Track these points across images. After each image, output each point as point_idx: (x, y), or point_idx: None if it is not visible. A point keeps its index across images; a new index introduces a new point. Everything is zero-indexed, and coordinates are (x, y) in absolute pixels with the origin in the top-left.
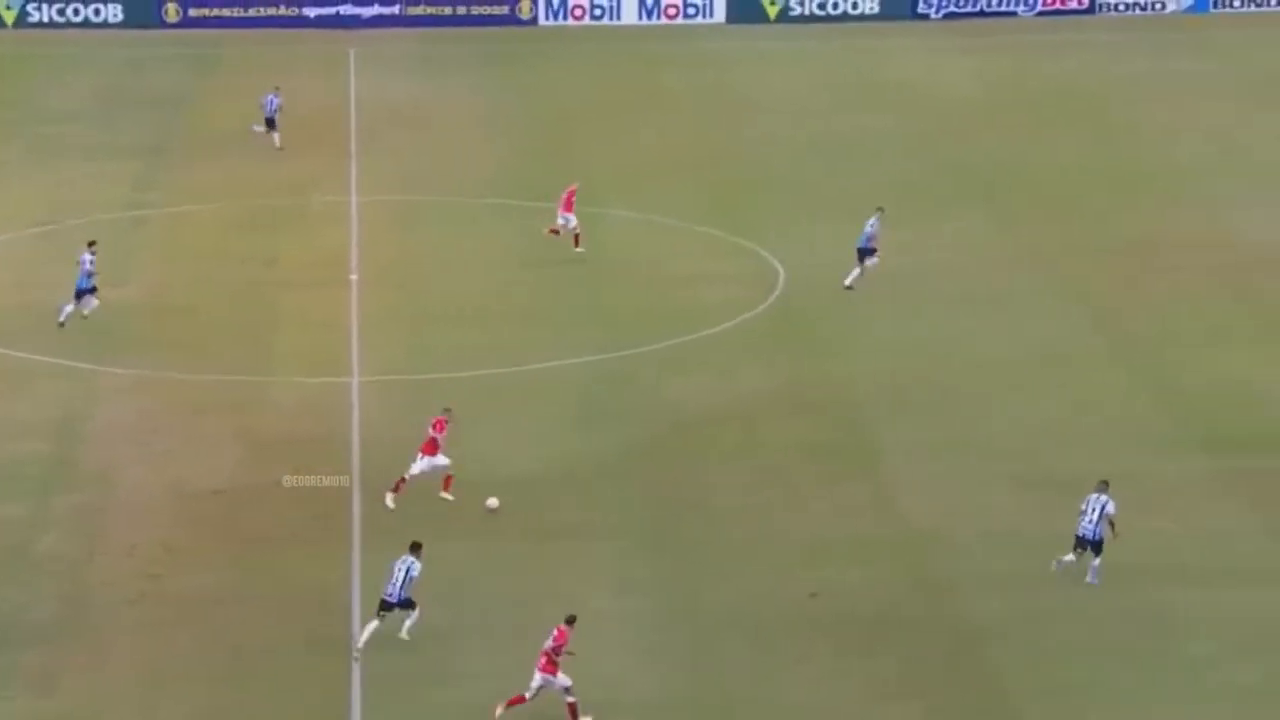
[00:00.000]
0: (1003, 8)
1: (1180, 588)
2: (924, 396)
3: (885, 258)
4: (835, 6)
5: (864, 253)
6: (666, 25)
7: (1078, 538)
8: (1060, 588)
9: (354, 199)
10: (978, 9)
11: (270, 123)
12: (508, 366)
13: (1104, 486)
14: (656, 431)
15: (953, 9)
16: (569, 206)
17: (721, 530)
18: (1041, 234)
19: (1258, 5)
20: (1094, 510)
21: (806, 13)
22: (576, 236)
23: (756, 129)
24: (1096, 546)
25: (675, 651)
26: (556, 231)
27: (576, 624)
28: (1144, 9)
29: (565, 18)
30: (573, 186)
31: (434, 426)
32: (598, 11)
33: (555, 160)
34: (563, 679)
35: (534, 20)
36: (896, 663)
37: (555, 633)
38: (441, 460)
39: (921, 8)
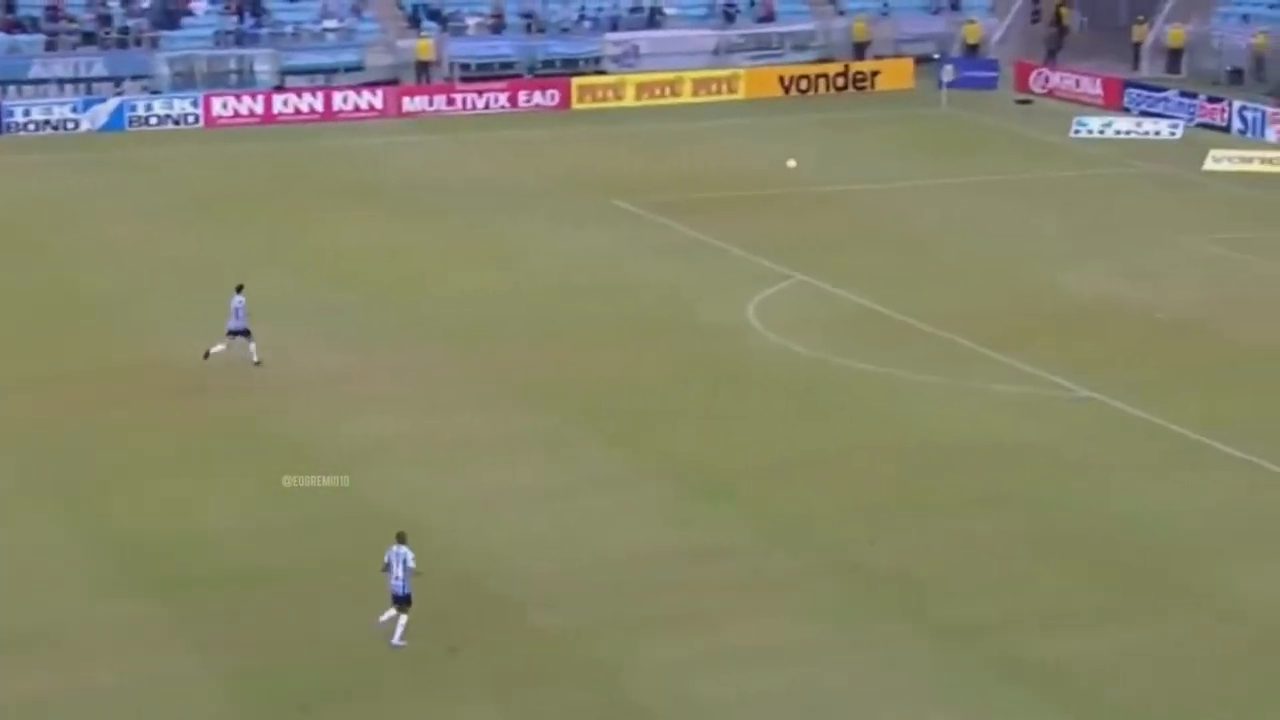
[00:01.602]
0: None
1: None
2: None
3: None
4: None
5: (242, 332)
6: None
7: (394, 597)
8: None
9: None
10: None
11: None
12: None
13: (403, 537)
14: None
15: None
16: None
17: None
18: None
19: (175, 124)
20: (398, 564)
21: None
22: None
23: None
24: (404, 602)
25: None
26: None
27: None
28: (56, 128)
29: None
30: None
31: None
32: None
33: None
34: None
35: None
36: None
37: None
38: None
39: None
